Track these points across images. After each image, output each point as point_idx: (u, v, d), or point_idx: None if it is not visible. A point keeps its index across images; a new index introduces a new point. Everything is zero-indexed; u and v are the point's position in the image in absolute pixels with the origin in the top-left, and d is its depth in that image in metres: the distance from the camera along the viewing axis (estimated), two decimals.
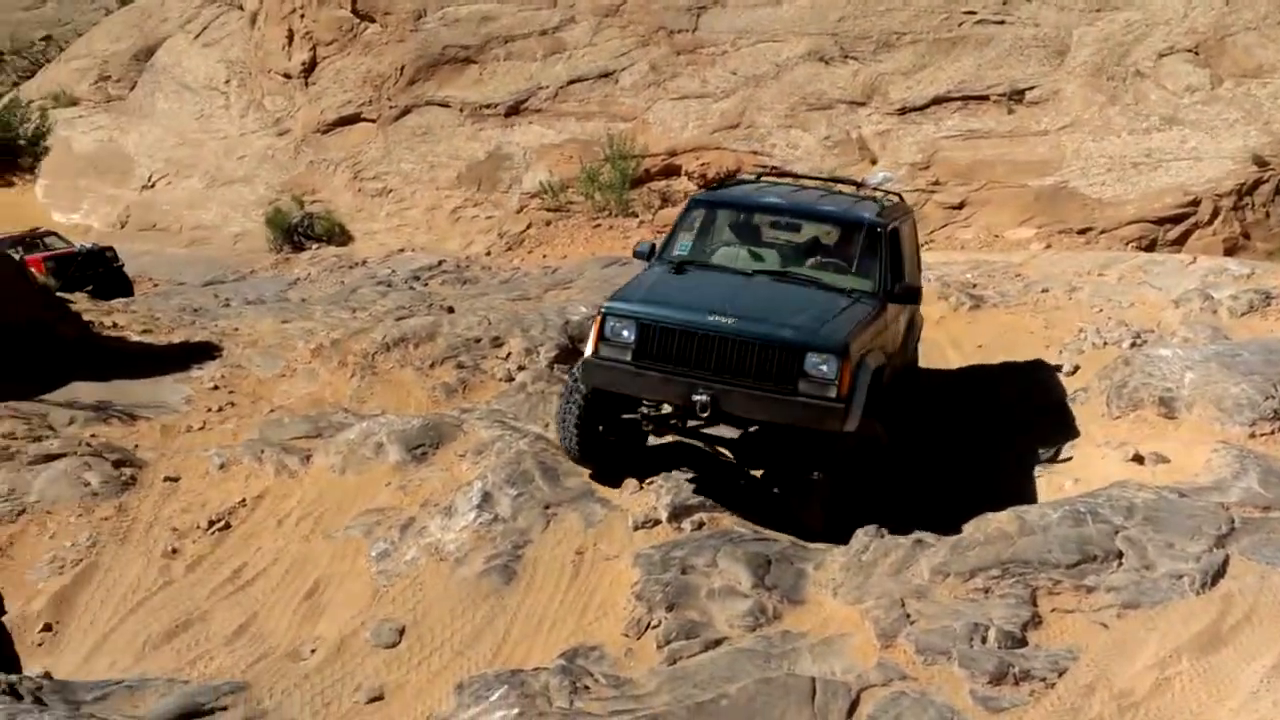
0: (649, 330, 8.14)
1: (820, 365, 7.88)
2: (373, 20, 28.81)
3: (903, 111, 23.64)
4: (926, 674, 6.39)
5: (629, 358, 8.18)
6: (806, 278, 9.03)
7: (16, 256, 17.74)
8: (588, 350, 8.53)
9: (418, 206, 27.45)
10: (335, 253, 25.95)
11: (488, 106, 27.35)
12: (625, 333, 8.20)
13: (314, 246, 27.07)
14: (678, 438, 9.05)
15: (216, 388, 11.92)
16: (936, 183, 23.06)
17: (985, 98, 23.05)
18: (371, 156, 28.43)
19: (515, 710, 6.33)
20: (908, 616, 6.85)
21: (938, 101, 23.40)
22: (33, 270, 17.43)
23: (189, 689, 6.81)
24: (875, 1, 24.22)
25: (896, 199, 10.60)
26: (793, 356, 7.91)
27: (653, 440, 9.25)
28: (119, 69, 35.08)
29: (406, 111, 28.31)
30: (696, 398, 7.97)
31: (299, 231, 27.56)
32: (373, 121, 28.70)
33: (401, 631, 7.47)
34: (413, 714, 6.71)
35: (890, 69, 23.87)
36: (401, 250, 25.21)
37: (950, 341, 13.21)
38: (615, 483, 8.76)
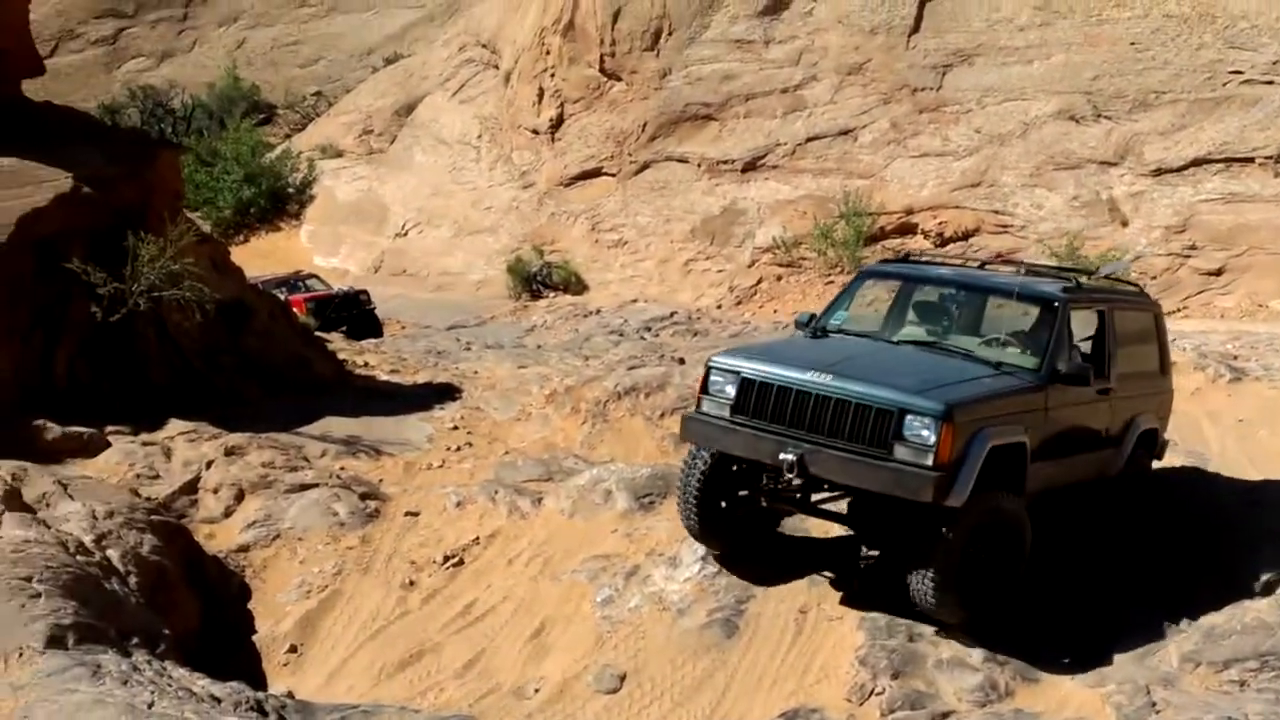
0: (747, 385, 7.83)
1: (920, 430, 7.21)
2: (619, 79, 29.69)
3: (1158, 173, 22.63)
4: None
5: (727, 413, 7.89)
6: (957, 349, 8.37)
7: (281, 297, 18.95)
8: (692, 405, 8.32)
9: (651, 258, 27.98)
10: (570, 301, 26.68)
11: (725, 162, 27.70)
12: (728, 388, 7.93)
13: (551, 295, 27.96)
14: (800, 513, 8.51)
15: (456, 428, 12.36)
16: (1193, 247, 21.92)
17: (1250, 160, 21.82)
18: (609, 209, 29.19)
19: None
20: (1153, 705, 6.48)
21: (1197, 163, 22.30)
22: (295, 310, 18.58)
23: (420, 718, 7.04)
24: (1133, 60, 23.30)
25: (1128, 289, 9.96)
26: (889, 417, 7.28)
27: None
28: (381, 123, 37.26)
29: (645, 166, 28.99)
30: (784, 456, 7.50)
31: (537, 280, 28.57)
32: (613, 176, 29.50)
33: (622, 678, 7.54)
34: None
35: (1146, 129, 22.90)
36: (634, 300, 25.68)
37: (1207, 415, 12.43)
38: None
